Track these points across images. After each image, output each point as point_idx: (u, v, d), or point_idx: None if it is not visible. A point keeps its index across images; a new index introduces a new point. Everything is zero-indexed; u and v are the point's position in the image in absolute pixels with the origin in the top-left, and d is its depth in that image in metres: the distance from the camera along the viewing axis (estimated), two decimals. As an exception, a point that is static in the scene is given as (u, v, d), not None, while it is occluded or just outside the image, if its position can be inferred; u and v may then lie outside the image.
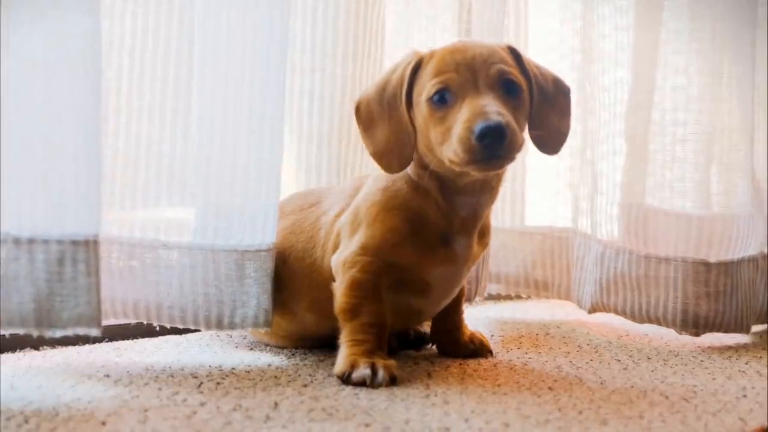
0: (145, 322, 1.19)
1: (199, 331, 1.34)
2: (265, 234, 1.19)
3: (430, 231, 1.14)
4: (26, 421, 0.90)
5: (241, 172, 1.18)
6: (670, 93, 1.50)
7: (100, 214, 1.05)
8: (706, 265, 1.43)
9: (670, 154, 1.50)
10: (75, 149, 1.02)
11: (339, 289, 1.15)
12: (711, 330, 1.44)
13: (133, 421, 0.91)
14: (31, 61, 1.00)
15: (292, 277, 1.22)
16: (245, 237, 1.19)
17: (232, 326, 1.19)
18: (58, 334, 1.02)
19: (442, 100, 1.08)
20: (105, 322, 1.28)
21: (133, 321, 1.20)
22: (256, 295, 1.19)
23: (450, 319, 1.28)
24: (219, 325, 1.19)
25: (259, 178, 1.19)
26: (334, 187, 1.33)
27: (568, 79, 1.58)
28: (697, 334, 1.44)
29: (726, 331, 1.44)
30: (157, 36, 1.20)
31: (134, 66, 1.19)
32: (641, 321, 1.47)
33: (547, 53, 1.65)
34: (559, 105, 1.18)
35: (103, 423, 0.90)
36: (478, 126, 1.02)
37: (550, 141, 1.16)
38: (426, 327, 1.34)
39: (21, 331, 1.02)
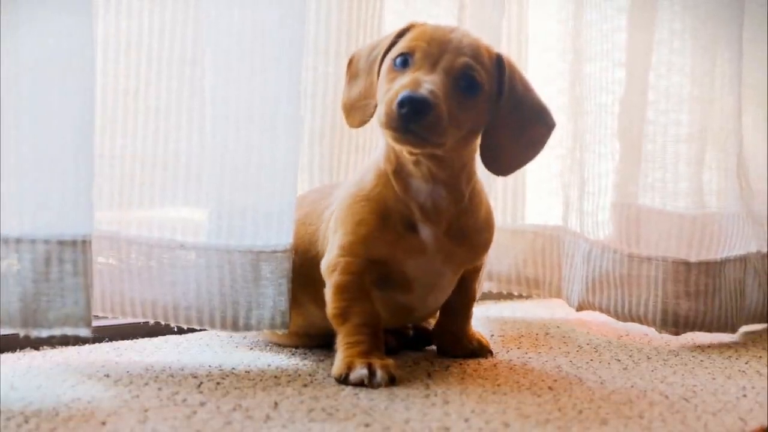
0: (162, 323, 1.20)
1: (202, 330, 1.34)
2: (280, 234, 1.19)
3: (395, 218, 1.14)
4: (26, 421, 0.90)
5: (255, 171, 1.18)
6: (661, 92, 1.50)
7: (91, 214, 1.05)
8: (687, 264, 1.44)
9: (651, 154, 1.50)
10: (64, 150, 1.02)
11: (327, 294, 1.15)
12: (692, 329, 1.44)
13: (133, 421, 0.91)
14: (18, 59, 1.00)
15: (299, 268, 1.22)
16: (260, 237, 1.18)
17: (248, 328, 1.19)
18: (44, 333, 1.02)
19: (404, 63, 1.10)
20: (108, 322, 1.30)
21: (151, 321, 1.20)
22: (272, 296, 1.19)
23: (456, 320, 1.27)
24: (235, 327, 1.19)
25: (274, 177, 1.18)
26: (343, 182, 1.33)
27: (566, 78, 1.60)
28: (677, 333, 1.45)
29: (709, 331, 1.45)
30: (174, 34, 1.20)
31: (152, 65, 1.19)
32: (624, 320, 1.48)
33: (544, 52, 1.65)
34: (534, 133, 1.17)
35: (103, 423, 0.90)
36: (403, 93, 1.03)
37: (503, 160, 1.16)
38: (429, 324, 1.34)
39: (7, 331, 1.02)
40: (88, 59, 1.04)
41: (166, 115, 1.20)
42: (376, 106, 1.14)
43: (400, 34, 1.14)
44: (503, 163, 1.17)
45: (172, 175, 1.20)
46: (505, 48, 1.58)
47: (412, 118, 1.03)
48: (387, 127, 1.05)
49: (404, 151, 1.11)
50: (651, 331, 1.51)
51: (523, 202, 1.68)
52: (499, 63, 1.14)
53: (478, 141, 1.15)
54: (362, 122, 1.17)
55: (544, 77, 1.64)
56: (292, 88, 1.19)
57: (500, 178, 1.63)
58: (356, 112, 1.17)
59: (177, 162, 1.20)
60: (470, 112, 1.10)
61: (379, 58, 1.14)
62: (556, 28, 1.63)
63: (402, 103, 1.03)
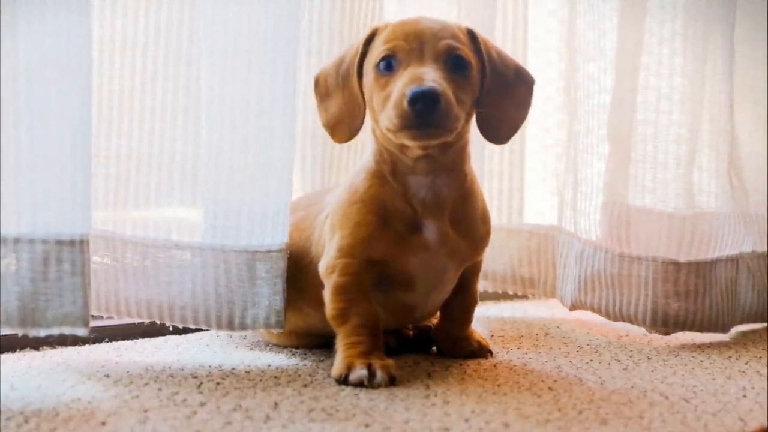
0: (158, 322, 1.20)
1: (200, 330, 1.34)
2: (275, 234, 1.19)
3: (396, 218, 1.14)
4: (26, 421, 0.90)
5: (251, 171, 1.18)
6: (652, 92, 1.49)
7: (89, 213, 1.06)
8: (676, 264, 1.44)
9: (642, 154, 1.50)
10: (63, 149, 1.02)
11: (326, 296, 1.15)
12: (682, 329, 1.44)
13: (133, 421, 0.91)
14: (17, 59, 1.00)
15: (296, 273, 1.22)
16: (255, 237, 1.19)
17: (243, 327, 1.20)
18: (43, 333, 1.02)
19: (389, 67, 1.09)
20: (108, 323, 1.30)
21: (146, 320, 1.21)
22: (267, 296, 1.19)
23: (457, 323, 1.27)
24: (230, 326, 1.19)
25: (270, 177, 1.19)
26: (335, 186, 1.33)
27: (564, 78, 1.59)
28: (666, 333, 1.45)
29: (699, 331, 1.45)
30: (169, 34, 1.20)
31: (147, 65, 1.20)
32: (615, 319, 1.48)
33: (544, 52, 1.65)
34: (519, 94, 1.18)
35: (103, 423, 0.90)
36: (411, 90, 1.03)
37: (499, 128, 1.17)
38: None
39: (6, 330, 1.03)
40: (86, 59, 1.04)
41: (162, 115, 1.20)
42: (363, 117, 1.14)
43: (368, 41, 1.14)
44: (501, 130, 1.18)
45: (168, 175, 1.21)
46: (501, 46, 1.57)
47: (426, 112, 1.03)
48: (403, 129, 1.05)
49: (416, 148, 1.11)
50: (650, 331, 1.51)
51: (521, 202, 1.67)
52: (472, 36, 1.15)
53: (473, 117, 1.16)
54: (351, 136, 1.16)
55: (544, 77, 1.64)
56: (287, 88, 1.19)
57: (496, 178, 1.63)
58: (342, 127, 1.16)
59: (172, 162, 1.20)
60: (467, 89, 1.11)
61: (354, 68, 1.14)
62: (557, 27, 1.63)
63: (414, 100, 1.02)
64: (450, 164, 1.15)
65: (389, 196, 1.14)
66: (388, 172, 1.15)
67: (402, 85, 1.05)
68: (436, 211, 1.15)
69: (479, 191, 1.22)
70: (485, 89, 1.14)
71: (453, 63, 1.09)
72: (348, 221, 1.15)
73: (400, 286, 1.17)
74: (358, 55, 1.14)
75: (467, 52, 1.11)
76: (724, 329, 1.48)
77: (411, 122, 1.04)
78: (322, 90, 1.18)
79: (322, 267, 1.16)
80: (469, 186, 1.18)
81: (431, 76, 1.05)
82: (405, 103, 1.03)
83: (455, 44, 1.10)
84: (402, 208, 1.14)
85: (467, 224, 1.18)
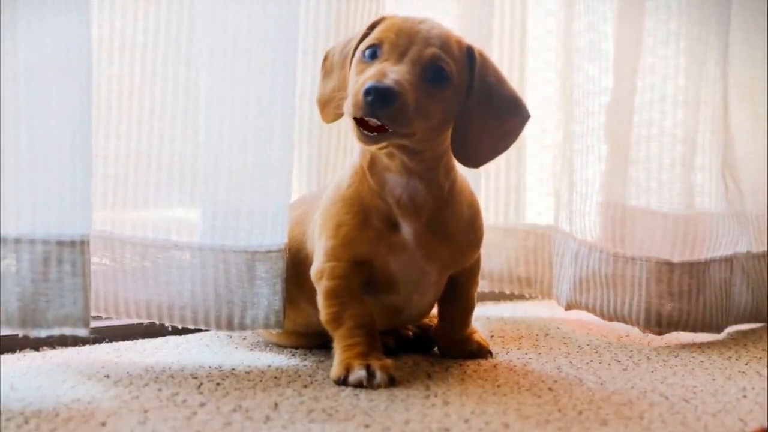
0: (157, 322, 1.20)
1: (200, 331, 1.34)
2: (275, 234, 1.19)
3: (374, 216, 1.14)
4: (26, 422, 0.90)
5: (250, 171, 1.18)
6: (648, 93, 1.49)
7: (89, 214, 1.06)
8: (669, 264, 1.44)
9: (638, 154, 1.50)
10: (63, 150, 1.02)
11: (319, 301, 1.15)
12: (675, 329, 1.45)
13: (133, 422, 0.91)
14: (17, 59, 1.00)
15: (293, 268, 1.22)
16: (255, 237, 1.19)
17: (242, 327, 1.20)
18: (44, 333, 1.02)
19: (372, 55, 1.09)
20: (109, 323, 1.30)
21: (146, 321, 1.21)
22: (267, 296, 1.19)
23: (455, 326, 1.27)
24: (230, 326, 1.19)
25: (269, 177, 1.19)
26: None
27: (562, 78, 1.59)
28: (660, 333, 1.45)
29: (693, 331, 1.46)
30: (168, 35, 1.20)
31: (146, 65, 1.20)
32: (610, 319, 1.48)
33: (543, 52, 1.65)
34: (508, 125, 1.16)
35: (103, 423, 0.90)
36: (369, 83, 1.03)
37: (476, 151, 1.15)
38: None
39: (6, 331, 1.03)
40: (85, 59, 1.04)
41: (161, 115, 1.20)
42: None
43: (372, 27, 1.14)
44: (473, 154, 1.15)
45: (167, 175, 1.21)
46: (497, 47, 1.57)
47: (377, 107, 1.02)
48: (353, 117, 1.05)
49: (357, 138, 1.09)
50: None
51: (519, 202, 1.67)
52: (470, 55, 1.13)
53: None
54: (336, 116, 1.16)
55: (544, 78, 1.65)
56: (287, 89, 1.19)
57: (494, 177, 1.63)
58: (329, 106, 1.17)
59: (171, 162, 1.21)
60: (439, 103, 1.09)
61: (351, 51, 1.14)
62: (556, 28, 1.63)
63: (368, 92, 1.02)
64: (422, 172, 1.14)
65: (368, 193, 1.14)
66: (367, 167, 1.15)
67: (367, 76, 1.05)
68: (411, 212, 1.14)
69: (467, 201, 1.20)
70: (470, 110, 1.12)
71: (433, 72, 1.08)
72: (331, 221, 1.15)
73: (383, 287, 1.17)
74: (358, 39, 1.14)
75: (452, 66, 1.09)
76: (718, 329, 1.48)
77: (360, 113, 1.03)
78: (328, 66, 1.19)
79: (313, 272, 1.16)
80: (448, 196, 1.16)
81: (395, 76, 1.04)
82: (360, 93, 1.03)
83: (441, 55, 1.08)
84: (379, 206, 1.14)
85: (448, 232, 1.17)
